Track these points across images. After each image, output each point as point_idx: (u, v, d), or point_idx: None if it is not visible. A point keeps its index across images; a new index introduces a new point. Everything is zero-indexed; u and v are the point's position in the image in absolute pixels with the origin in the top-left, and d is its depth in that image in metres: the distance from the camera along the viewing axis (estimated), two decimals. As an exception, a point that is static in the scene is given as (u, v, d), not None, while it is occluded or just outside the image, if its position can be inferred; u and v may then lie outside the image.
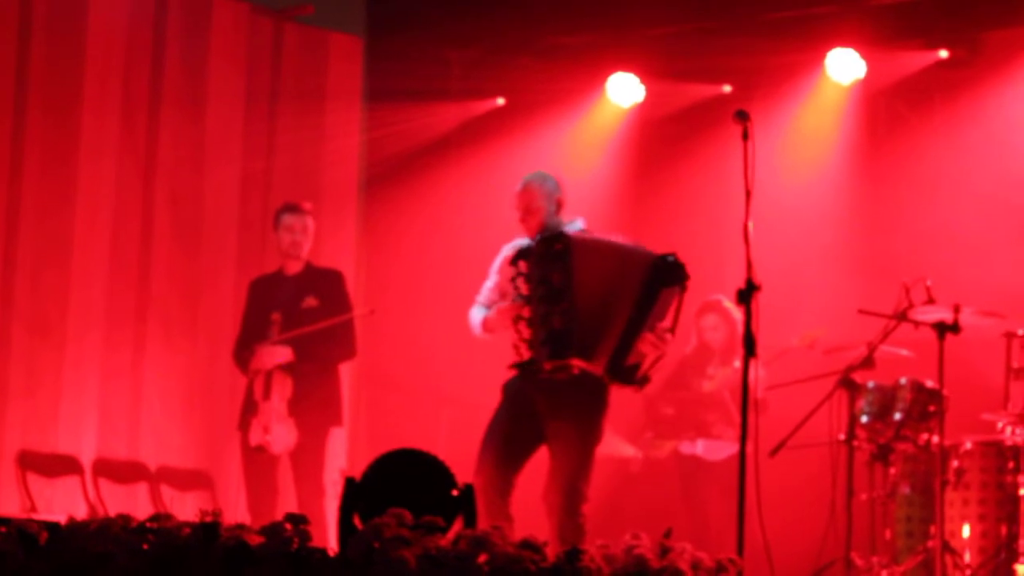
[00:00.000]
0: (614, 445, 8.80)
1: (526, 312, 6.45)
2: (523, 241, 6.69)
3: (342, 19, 10.23)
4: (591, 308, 6.40)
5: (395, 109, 10.22)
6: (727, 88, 9.72)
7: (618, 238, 6.69)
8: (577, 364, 6.42)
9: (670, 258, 6.47)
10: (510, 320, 6.51)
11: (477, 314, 6.83)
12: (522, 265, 6.47)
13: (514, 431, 6.55)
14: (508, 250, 6.68)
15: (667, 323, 6.48)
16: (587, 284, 6.42)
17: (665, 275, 6.44)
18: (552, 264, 6.42)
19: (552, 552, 5.55)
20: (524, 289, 6.46)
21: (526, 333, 6.45)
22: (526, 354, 6.47)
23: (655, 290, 6.43)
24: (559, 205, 6.72)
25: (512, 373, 6.63)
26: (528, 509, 6.54)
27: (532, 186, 6.74)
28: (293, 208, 8.29)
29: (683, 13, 9.59)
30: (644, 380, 6.52)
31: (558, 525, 6.39)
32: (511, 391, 6.64)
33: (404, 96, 10.20)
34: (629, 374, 6.46)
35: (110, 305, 8.89)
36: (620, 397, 9.09)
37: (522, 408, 6.56)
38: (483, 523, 5.52)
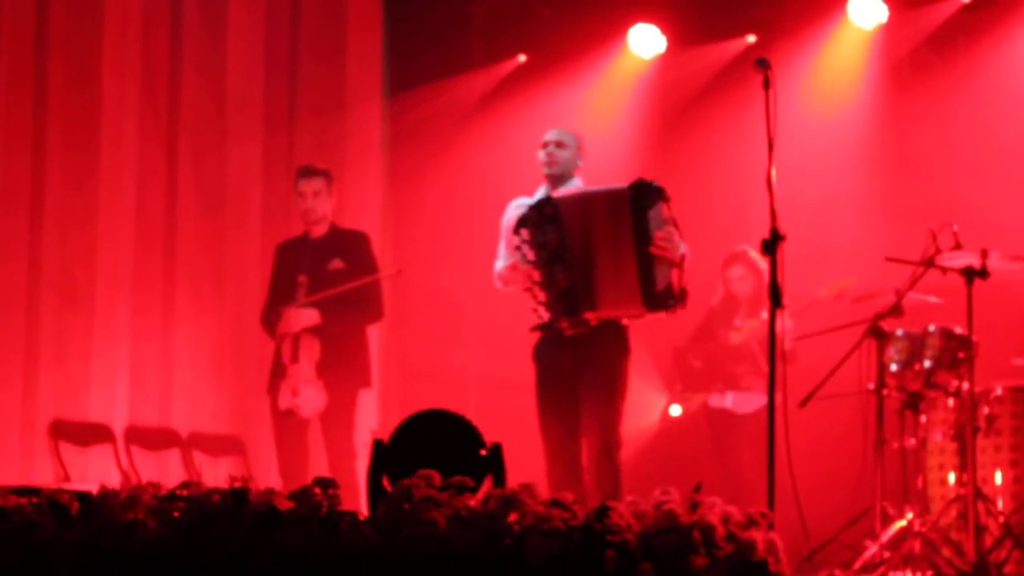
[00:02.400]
0: (652, 400, 8.82)
1: (536, 276, 6.69)
2: (524, 200, 6.97)
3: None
4: (590, 260, 6.65)
5: (417, 66, 10.20)
6: (751, 39, 9.65)
7: (597, 187, 6.88)
8: (591, 316, 6.67)
9: (638, 182, 6.66)
10: (523, 284, 6.77)
11: (498, 267, 7.08)
12: (524, 233, 6.73)
13: (562, 406, 6.76)
14: (512, 210, 6.95)
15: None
16: (581, 239, 6.66)
17: (642, 199, 6.62)
18: (546, 227, 6.69)
19: (591, 499, 5.58)
20: (530, 255, 6.71)
21: (540, 295, 6.70)
22: (545, 316, 6.71)
23: (642, 215, 6.60)
24: (580, 159, 7.06)
25: (537, 336, 6.86)
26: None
27: (565, 130, 7.11)
28: (305, 171, 8.24)
29: (703, -39, 9.58)
30: (683, 295, 6.67)
31: (596, 473, 6.58)
32: (542, 360, 6.86)
33: (426, 52, 10.18)
34: (666, 297, 6.63)
35: (137, 270, 8.92)
36: (650, 351, 9.14)
37: (557, 377, 6.79)
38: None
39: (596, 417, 6.66)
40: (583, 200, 6.76)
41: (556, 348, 6.78)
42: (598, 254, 6.64)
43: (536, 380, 6.87)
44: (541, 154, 6.99)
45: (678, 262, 6.63)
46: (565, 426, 6.73)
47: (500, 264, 7.05)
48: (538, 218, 6.71)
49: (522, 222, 6.75)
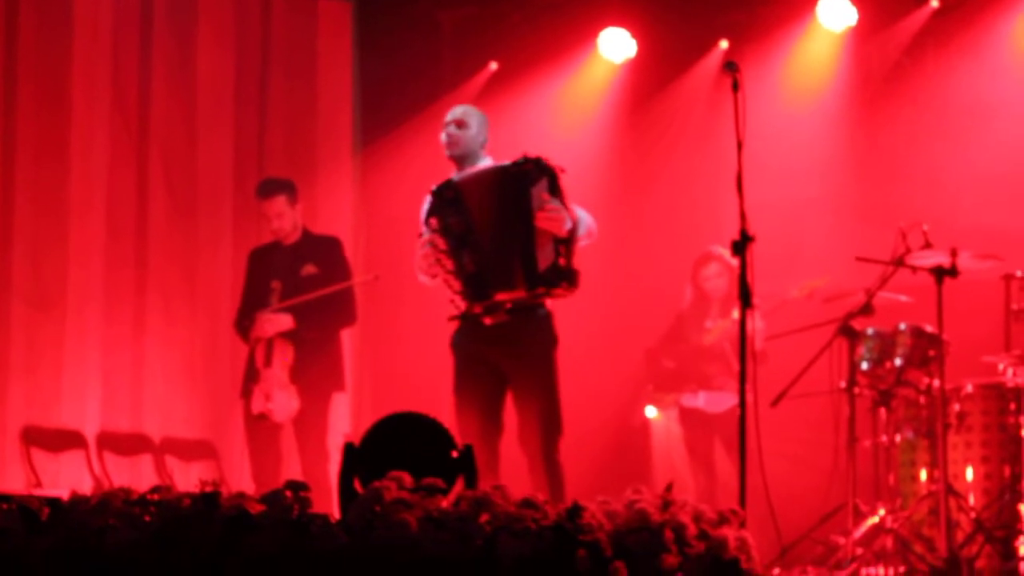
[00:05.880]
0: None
1: (448, 264, 6.50)
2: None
3: (330, -17, 10.22)
4: (495, 240, 6.45)
5: (388, 72, 10.20)
6: (724, 44, 9.67)
7: (494, 164, 6.67)
8: (502, 297, 6.44)
9: (520, 160, 6.45)
10: (437, 272, 6.55)
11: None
12: (432, 222, 6.56)
13: (482, 393, 6.55)
14: (427, 203, 6.70)
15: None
16: (484, 219, 6.48)
17: (523, 176, 6.42)
18: (448, 212, 6.52)
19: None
20: (440, 244, 6.52)
21: (455, 284, 6.51)
22: (461, 305, 6.53)
23: (524, 193, 6.41)
24: (485, 138, 6.77)
25: (456, 326, 6.64)
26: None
27: (468, 109, 6.85)
28: (264, 190, 8.25)
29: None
30: (571, 275, 6.42)
31: (542, 465, 6.40)
32: (462, 351, 6.64)
33: (396, 58, 10.18)
34: (550, 277, 6.40)
35: (109, 278, 8.91)
36: (620, 353, 9.15)
37: (478, 367, 6.57)
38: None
39: (536, 415, 6.43)
40: (479, 179, 6.56)
41: (476, 338, 6.54)
42: (500, 233, 6.44)
43: (454, 370, 6.64)
44: (443, 136, 6.74)
45: (566, 238, 6.38)
46: (486, 416, 6.49)
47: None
48: (441, 203, 6.53)
49: (430, 211, 6.58)
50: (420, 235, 6.68)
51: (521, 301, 6.45)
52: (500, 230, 6.44)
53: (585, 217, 6.57)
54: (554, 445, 6.45)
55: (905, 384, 7.33)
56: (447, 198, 6.53)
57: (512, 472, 6.43)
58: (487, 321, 6.50)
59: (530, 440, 6.45)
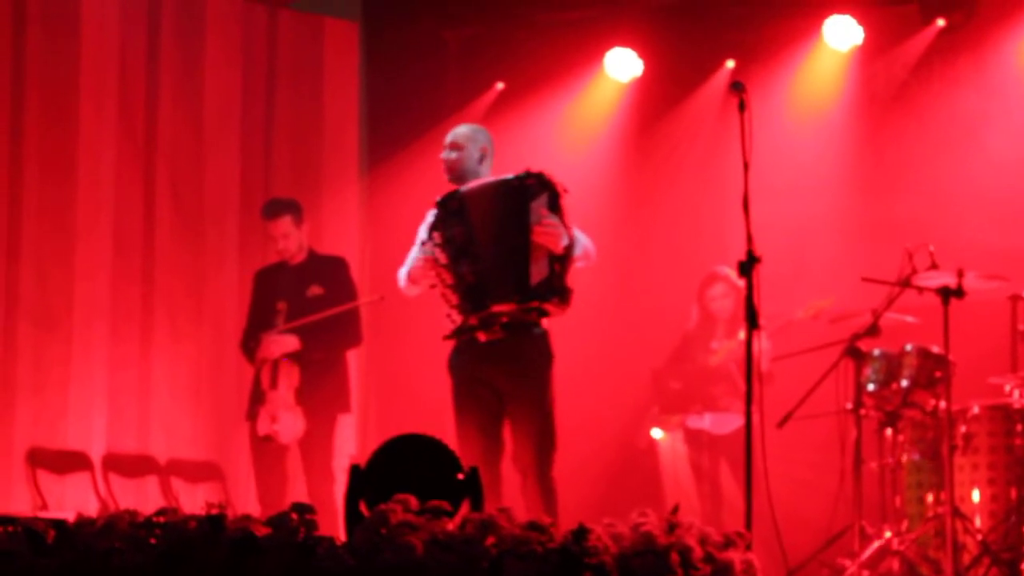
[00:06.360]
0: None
1: (448, 279, 6.49)
2: None
3: (336, 2, 10.22)
4: (495, 252, 6.45)
5: (394, 91, 10.20)
6: (730, 63, 9.68)
7: (498, 176, 6.66)
8: (497, 310, 6.42)
9: (523, 174, 6.47)
10: (432, 280, 6.55)
11: (403, 271, 6.81)
12: (436, 236, 6.55)
13: (481, 414, 6.54)
14: (431, 217, 6.69)
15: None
16: (486, 231, 6.48)
17: (524, 190, 6.43)
18: (452, 222, 6.52)
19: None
20: (442, 258, 6.51)
21: (452, 299, 6.50)
22: (457, 319, 6.51)
23: (523, 207, 6.42)
24: (483, 153, 6.75)
25: (452, 346, 6.62)
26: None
27: (462, 130, 6.85)
28: (270, 211, 8.25)
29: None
30: (564, 291, 6.44)
31: (536, 483, 6.40)
32: (459, 373, 6.62)
33: (403, 77, 10.19)
34: (542, 291, 6.41)
35: (115, 298, 8.91)
36: (627, 374, 9.13)
37: (476, 387, 6.56)
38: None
39: (531, 434, 6.43)
40: (483, 190, 6.56)
41: (472, 358, 6.53)
42: (499, 245, 6.44)
43: (453, 392, 6.63)
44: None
45: (561, 255, 6.40)
46: (487, 437, 6.48)
47: (405, 268, 6.80)
48: (444, 214, 6.53)
49: (434, 224, 6.58)
50: (421, 244, 6.68)
51: (513, 314, 6.45)
52: (499, 242, 6.46)
53: (583, 239, 6.59)
54: (548, 463, 6.45)
55: (911, 405, 7.32)
56: (451, 209, 6.54)
57: (513, 492, 6.43)
58: (482, 338, 6.50)
59: (523, 457, 6.46)
